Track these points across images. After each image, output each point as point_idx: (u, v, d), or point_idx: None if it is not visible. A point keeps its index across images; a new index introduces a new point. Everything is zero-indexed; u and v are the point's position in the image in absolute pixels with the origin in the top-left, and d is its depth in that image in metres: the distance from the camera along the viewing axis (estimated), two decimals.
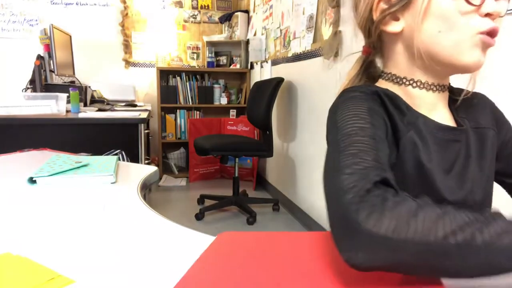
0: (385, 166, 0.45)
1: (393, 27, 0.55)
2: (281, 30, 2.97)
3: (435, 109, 0.59)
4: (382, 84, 0.60)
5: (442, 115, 0.59)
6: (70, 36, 3.09)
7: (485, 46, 0.52)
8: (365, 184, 0.40)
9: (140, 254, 0.52)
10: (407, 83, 0.58)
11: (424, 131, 0.55)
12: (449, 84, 0.61)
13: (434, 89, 0.58)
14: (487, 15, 0.50)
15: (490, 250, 0.35)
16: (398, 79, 0.58)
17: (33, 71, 2.47)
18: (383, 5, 0.55)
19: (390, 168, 0.46)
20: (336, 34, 2.04)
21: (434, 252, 0.36)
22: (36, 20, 3.63)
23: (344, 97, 0.55)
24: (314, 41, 2.37)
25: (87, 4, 3.73)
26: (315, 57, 2.37)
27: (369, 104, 0.52)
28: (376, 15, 0.56)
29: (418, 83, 0.57)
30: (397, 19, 0.55)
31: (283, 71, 2.94)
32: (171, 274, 0.46)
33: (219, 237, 0.53)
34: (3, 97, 3.47)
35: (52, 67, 2.55)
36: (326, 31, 2.19)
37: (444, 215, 0.37)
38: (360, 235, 0.37)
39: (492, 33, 0.52)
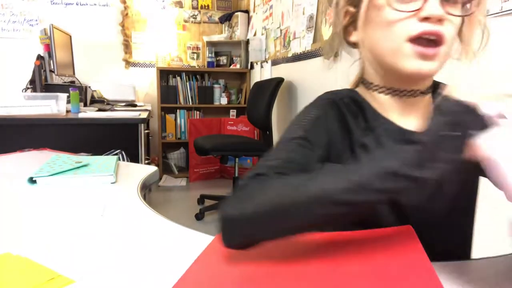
0: (290, 164, 0.50)
1: (353, 37, 0.59)
2: (281, 30, 2.97)
3: (407, 114, 0.57)
4: (360, 88, 0.62)
5: (415, 120, 0.57)
6: (70, 36, 3.09)
7: (421, 56, 0.50)
8: (246, 180, 0.47)
9: (140, 254, 0.53)
10: (374, 88, 0.59)
11: (384, 136, 0.55)
12: (428, 88, 0.58)
13: (401, 94, 0.57)
14: (426, 19, 0.49)
15: (312, 202, 0.41)
16: (368, 84, 0.60)
17: (33, 71, 2.47)
18: (345, 19, 0.59)
19: (304, 167, 0.50)
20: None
21: (271, 217, 0.43)
22: (36, 20, 3.63)
23: (310, 103, 0.62)
24: (314, 41, 2.37)
25: (87, 4, 3.73)
26: (315, 57, 2.37)
27: (320, 113, 0.58)
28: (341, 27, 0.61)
29: (383, 89, 0.58)
30: (356, 29, 0.58)
31: (283, 71, 2.94)
32: (170, 274, 0.46)
33: (218, 238, 0.53)
34: (3, 97, 3.47)
35: (52, 67, 2.55)
36: (326, 31, 2.19)
37: (281, 184, 0.45)
38: (221, 223, 0.46)
39: (430, 39, 0.49)
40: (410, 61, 0.50)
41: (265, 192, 0.44)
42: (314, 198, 0.41)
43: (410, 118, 0.57)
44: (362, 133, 0.56)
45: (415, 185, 0.39)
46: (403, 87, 0.56)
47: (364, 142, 0.56)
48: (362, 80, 0.62)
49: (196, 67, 3.99)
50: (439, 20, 0.49)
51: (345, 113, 0.58)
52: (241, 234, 0.45)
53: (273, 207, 0.43)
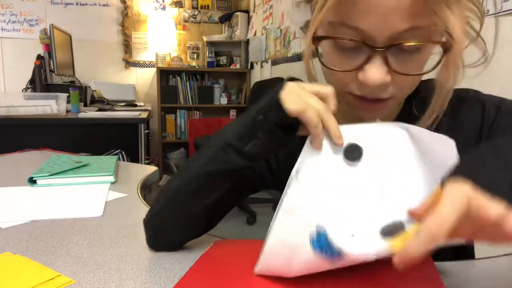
0: None
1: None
2: (281, 30, 2.97)
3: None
4: None
5: None
6: (70, 36, 3.09)
7: (363, 109, 0.46)
8: None
9: (140, 254, 0.53)
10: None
11: None
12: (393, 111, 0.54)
13: (355, 120, 0.50)
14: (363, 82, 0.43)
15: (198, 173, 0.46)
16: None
17: (33, 71, 2.47)
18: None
19: None
20: None
21: (175, 202, 0.49)
22: (36, 20, 3.63)
23: None
24: None
25: (87, 4, 3.73)
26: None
27: None
28: None
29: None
30: None
31: (283, 71, 2.94)
32: (171, 274, 0.46)
33: (214, 245, 0.53)
34: (3, 97, 3.47)
35: (52, 67, 2.55)
36: None
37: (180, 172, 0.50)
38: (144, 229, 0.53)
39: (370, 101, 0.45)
40: (353, 109, 0.47)
41: (166, 187, 0.51)
42: (192, 175, 0.47)
43: None
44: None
45: (244, 158, 0.43)
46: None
47: None
48: None
49: (196, 67, 3.99)
50: (382, 85, 0.43)
51: None
52: (156, 232, 0.52)
53: (172, 192, 0.49)
